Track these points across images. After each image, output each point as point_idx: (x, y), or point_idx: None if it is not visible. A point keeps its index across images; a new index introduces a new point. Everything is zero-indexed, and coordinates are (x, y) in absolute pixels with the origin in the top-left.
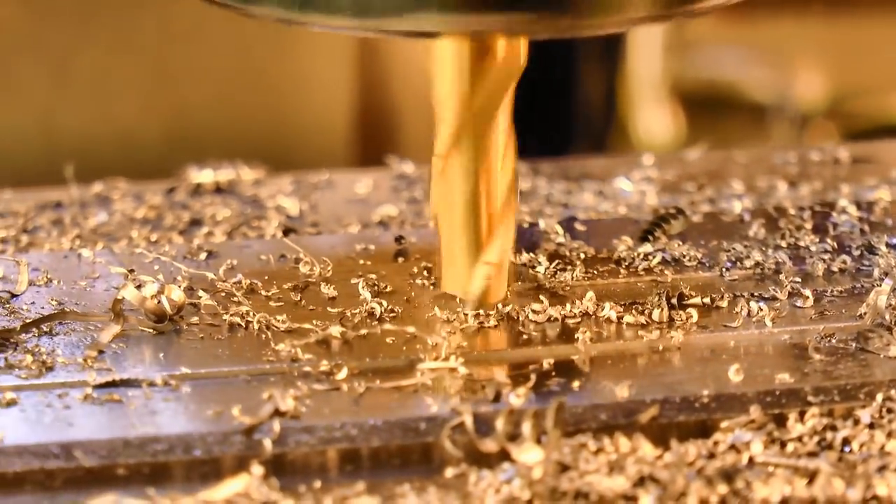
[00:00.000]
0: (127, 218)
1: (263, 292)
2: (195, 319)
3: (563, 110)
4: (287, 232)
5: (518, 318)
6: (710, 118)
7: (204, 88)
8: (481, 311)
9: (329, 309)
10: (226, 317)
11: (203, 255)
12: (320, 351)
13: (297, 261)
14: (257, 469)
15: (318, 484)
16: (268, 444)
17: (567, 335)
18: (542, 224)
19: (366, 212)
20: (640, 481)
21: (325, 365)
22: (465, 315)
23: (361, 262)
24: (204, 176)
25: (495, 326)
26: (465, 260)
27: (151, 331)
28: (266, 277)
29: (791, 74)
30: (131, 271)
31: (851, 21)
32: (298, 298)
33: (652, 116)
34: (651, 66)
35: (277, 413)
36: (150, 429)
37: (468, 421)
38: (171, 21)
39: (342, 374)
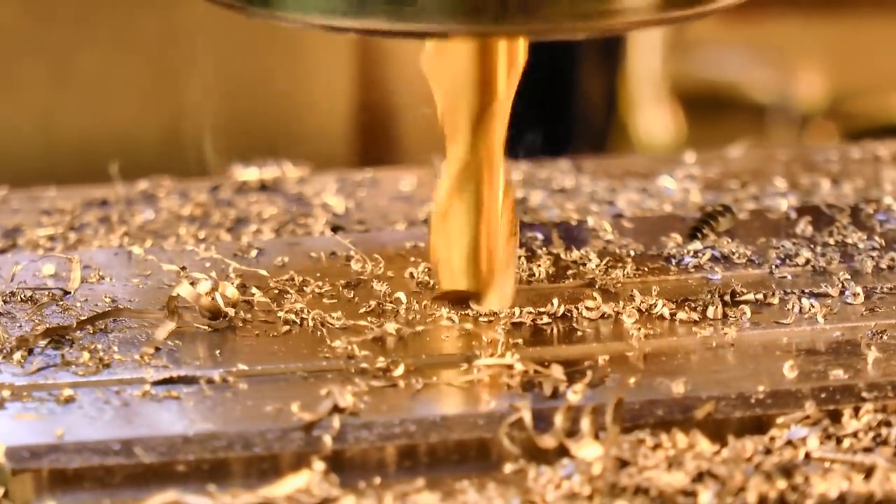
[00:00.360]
0: (173, 215)
1: (316, 289)
2: (249, 316)
3: (563, 110)
4: (336, 229)
5: (572, 315)
6: (710, 118)
7: (203, 88)
8: (532, 309)
9: (383, 305)
10: (280, 314)
11: (253, 253)
12: (376, 348)
13: (347, 258)
14: (318, 465)
15: (377, 480)
16: (328, 440)
17: (620, 332)
18: (590, 221)
19: (411, 209)
20: (699, 477)
21: (381, 361)
22: (521, 311)
23: (412, 259)
24: (248, 174)
25: (549, 323)
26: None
27: (206, 328)
28: (318, 274)
29: (791, 74)
30: (183, 268)
31: (851, 21)
32: (352, 295)
33: (652, 116)
34: (651, 66)
35: (336, 409)
36: (210, 425)
37: (527, 417)
38: (171, 21)
39: (399, 370)
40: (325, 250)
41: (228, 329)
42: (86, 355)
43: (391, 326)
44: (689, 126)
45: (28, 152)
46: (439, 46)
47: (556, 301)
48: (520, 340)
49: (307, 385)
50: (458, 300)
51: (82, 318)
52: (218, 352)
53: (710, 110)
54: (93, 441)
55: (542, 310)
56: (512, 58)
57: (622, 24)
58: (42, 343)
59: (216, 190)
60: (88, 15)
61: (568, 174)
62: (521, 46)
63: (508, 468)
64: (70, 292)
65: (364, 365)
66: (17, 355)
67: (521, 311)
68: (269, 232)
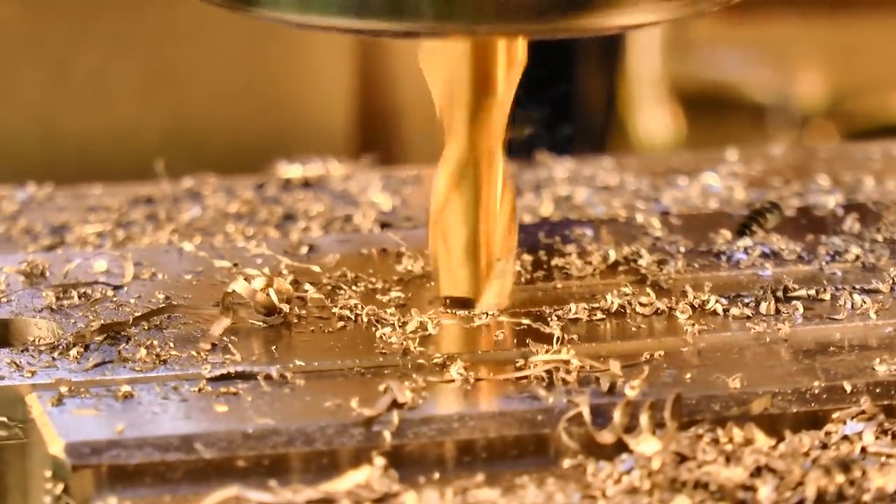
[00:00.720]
0: (220, 213)
1: (369, 285)
2: (303, 313)
3: (563, 110)
4: (384, 226)
5: (625, 311)
6: (710, 118)
7: (204, 88)
8: (586, 305)
9: (437, 301)
10: (335, 310)
11: (304, 249)
12: (431, 343)
13: (398, 255)
14: (378, 461)
15: (436, 475)
16: (387, 435)
17: (674, 327)
18: (639, 218)
19: None
20: (757, 471)
21: (438, 357)
22: (576, 306)
23: None
24: (293, 171)
25: (603, 319)
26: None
27: (261, 324)
28: (370, 271)
29: (791, 74)
30: (235, 265)
31: (851, 21)
32: (405, 291)
33: (652, 116)
34: (651, 66)
35: (395, 405)
36: (269, 421)
37: (585, 412)
38: (170, 21)
39: (456, 366)
40: (376, 246)
41: (283, 325)
42: (142, 351)
43: (446, 322)
44: (689, 126)
45: (27, 152)
46: (438, 45)
47: (609, 297)
48: (575, 336)
49: (364, 381)
50: (457, 300)
51: (137, 314)
52: (274, 348)
53: (710, 110)
54: (153, 437)
55: (595, 305)
56: (511, 57)
57: (622, 24)
58: (98, 339)
59: (262, 187)
60: (88, 15)
61: (611, 171)
62: (521, 45)
63: (567, 463)
64: (120, 287)
65: (420, 361)
66: (74, 351)
67: (576, 308)
68: (318, 229)
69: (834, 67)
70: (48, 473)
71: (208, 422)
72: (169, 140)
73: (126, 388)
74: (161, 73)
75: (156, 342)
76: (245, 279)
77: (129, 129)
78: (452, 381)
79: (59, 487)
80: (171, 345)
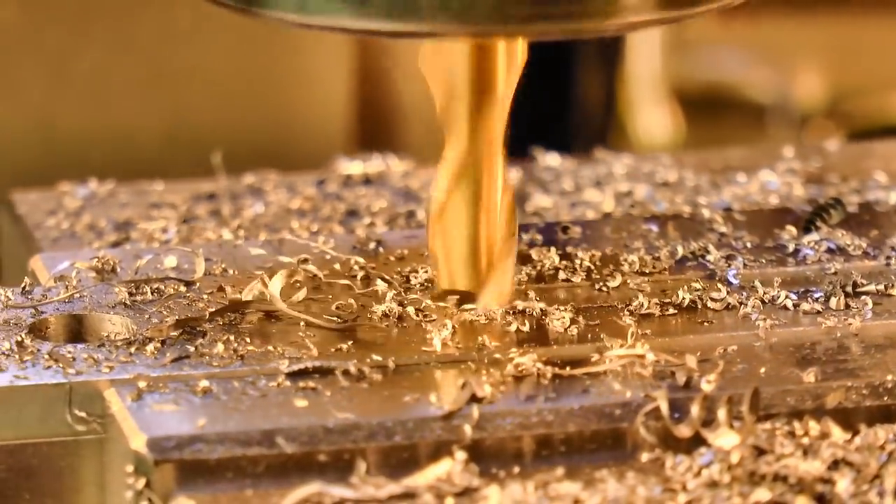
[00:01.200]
0: (283, 209)
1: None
2: (375, 308)
3: (562, 110)
4: None
5: (696, 305)
6: (709, 118)
7: (203, 88)
8: (658, 300)
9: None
10: (410, 308)
11: (372, 245)
12: (505, 338)
13: None
14: (460, 454)
15: (515, 469)
16: (467, 429)
17: (745, 322)
18: (705, 213)
19: (518, 203)
20: (835, 464)
21: (513, 352)
22: (647, 302)
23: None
24: (354, 167)
25: (676, 314)
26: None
27: (336, 319)
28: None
29: (791, 74)
30: (305, 261)
31: (851, 21)
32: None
33: (651, 116)
34: (650, 66)
35: (474, 399)
36: (349, 415)
37: (663, 407)
38: (170, 21)
39: (530, 360)
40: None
41: (358, 320)
42: (220, 346)
43: (518, 317)
44: (689, 126)
45: (27, 152)
46: (437, 46)
47: (680, 292)
48: (648, 331)
49: (441, 376)
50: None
51: (211, 310)
52: (350, 342)
53: (709, 110)
54: (234, 431)
55: (666, 301)
56: (511, 57)
57: (622, 23)
58: (173, 334)
59: (322, 184)
60: (88, 15)
61: (670, 168)
62: (521, 45)
63: (644, 457)
64: (192, 283)
65: (497, 356)
66: (151, 347)
67: (648, 303)
68: (383, 225)
69: (834, 67)
70: (130, 468)
71: (289, 416)
72: (169, 140)
73: (204, 383)
74: (161, 73)
75: (231, 337)
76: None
77: (129, 129)
78: (529, 375)
79: (141, 482)
80: (247, 340)
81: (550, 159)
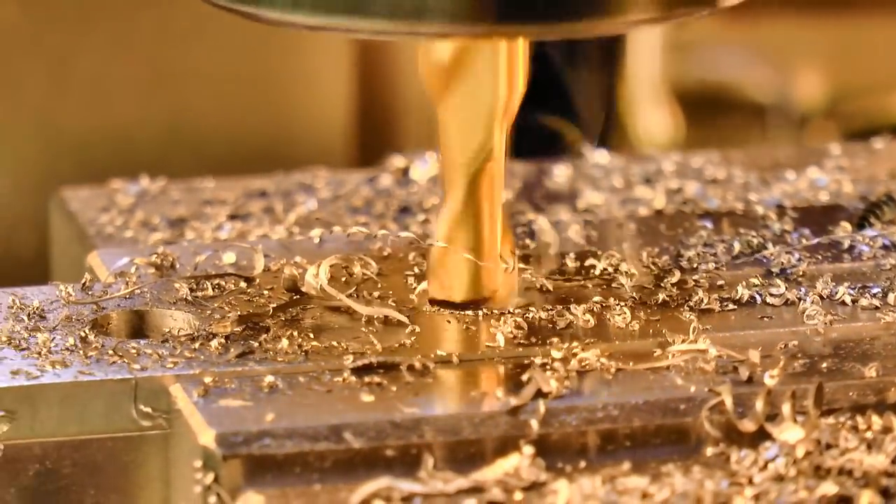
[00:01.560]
0: (336, 205)
1: None
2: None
3: (562, 110)
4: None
5: (755, 301)
6: (709, 118)
7: (203, 88)
8: (718, 296)
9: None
10: None
11: (428, 241)
12: (568, 334)
13: (523, 246)
14: (527, 449)
15: (581, 464)
16: (534, 424)
17: (805, 318)
18: (759, 210)
19: (569, 200)
20: None
21: (576, 347)
22: (707, 297)
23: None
24: (403, 163)
25: (735, 309)
26: None
27: (398, 314)
28: None
29: (791, 74)
30: (361, 257)
31: (851, 21)
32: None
33: (651, 116)
34: (650, 67)
35: (540, 394)
36: (416, 410)
37: (728, 401)
38: (170, 21)
39: (594, 355)
40: None
41: (420, 315)
42: (284, 342)
43: (580, 312)
44: (689, 126)
45: (27, 152)
46: (441, 50)
47: (739, 288)
48: (709, 326)
49: (505, 371)
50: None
51: (273, 305)
52: (413, 338)
53: (709, 110)
54: (302, 426)
55: (725, 296)
56: (512, 58)
57: (623, 23)
58: (237, 330)
59: (373, 180)
60: (88, 15)
61: (719, 165)
62: (522, 46)
63: (709, 451)
64: (252, 279)
65: (560, 351)
66: (215, 342)
67: (708, 299)
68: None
69: (834, 67)
70: (198, 463)
71: (355, 411)
72: (169, 140)
73: (270, 378)
74: (160, 74)
75: (295, 332)
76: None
77: (129, 130)
78: (593, 370)
79: (209, 477)
80: (310, 335)
81: (599, 156)
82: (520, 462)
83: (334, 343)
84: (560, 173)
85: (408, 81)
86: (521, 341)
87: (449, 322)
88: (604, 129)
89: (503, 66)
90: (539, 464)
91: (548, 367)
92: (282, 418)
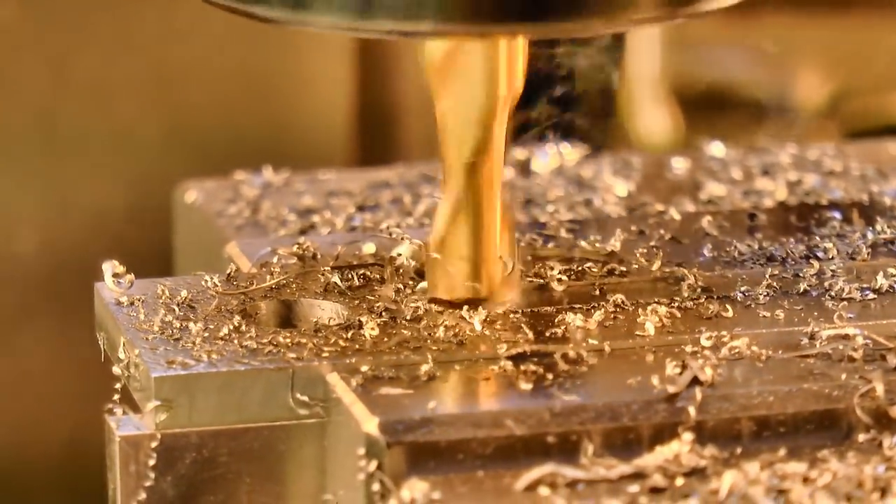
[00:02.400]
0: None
1: (636, 266)
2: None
3: (561, 109)
4: (633, 210)
5: (894, 290)
6: (709, 118)
7: (204, 88)
8: (858, 285)
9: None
10: (610, 296)
11: (562, 231)
12: (714, 322)
13: (650, 236)
14: (686, 436)
15: (738, 450)
16: (692, 411)
17: None
18: (886, 201)
19: (691, 191)
20: None
21: (725, 336)
22: (848, 287)
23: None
24: (526, 156)
25: (874, 299)
26: None
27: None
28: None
29: (791, 74)
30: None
31: (851, 21)
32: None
33: (651, 116)
34: (651, 66)
35: (696, 382)
36: (575, 398)
37: (879, 388)
38: (171, 21)
39: (744, 343)
40: (625, 228)
41: (556, 305)
42: (440, 331)
43: (721, 302)
44: (689, 125)
45: (27, 152)
46: (441, 49)
47: (878, 277)
48: (852, 315)
49: (658, 359)
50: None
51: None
52: (563, 327)
53: (710, 110)
54: (464, 414)
55: (865, 286)
56: (513, 58)
57: (624, 23)
58: (385, 318)
59: None
60: (89, 14)
61: (835, 158)
62: (522, 46)
63: (861, 437)
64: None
65: (710, 340)
66: (367, 331)
67: (848, 288)
68: (566, 212)
69: (834, 67)
70: (360, 451)
71: (515, 399)
72: (169, 140)
73: (427, 366)
74: (161, 74)
75: (450, 322)
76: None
77: (129, 129)
78: (743, 358)
79: (373, 465)
80: (462, 324)
81: (715, 149)
82: (679, 448)
83: (487, 332)
84: (678, 165)
85: (409, 81)
86: (671, 330)
87: (589, 310)
88: (601, 128)
89: (503, 64)
90: (698, 450)
91: (698, 355)
92: (443, 406)
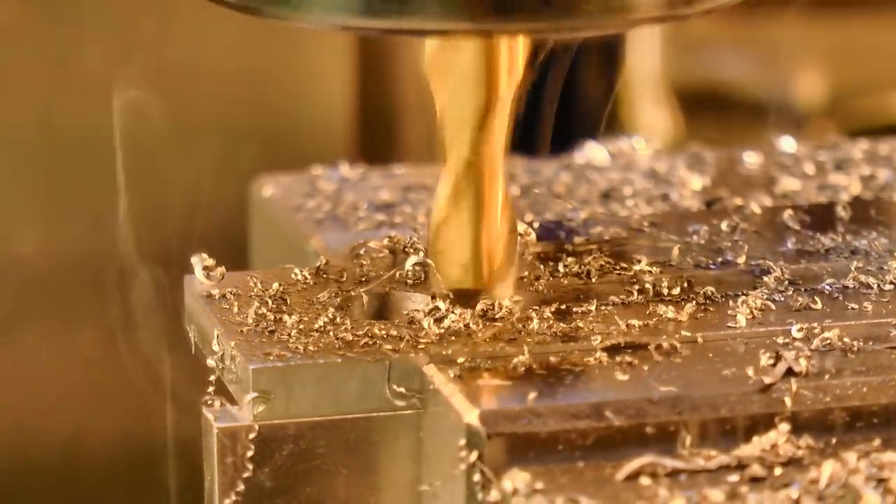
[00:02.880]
0: (541, 191)
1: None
2: (676, 286)
3: (562, 109)
4: (710, 203)
5: None
6: (709, 118)
7: (204, 88)
8: None
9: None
10: (699, 289)
11: (645, 224)
12: (798, 315)
13: (733, 230)
14: (783, 426)
15: (833, 440)
16: (788, 402)
17: None
18: None
19: (766, 185)
20: None
21: (816, 327)
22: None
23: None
24: (598, 149)
25: None
26: None
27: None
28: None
29: (791, 74)
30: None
31: (851, 21)
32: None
33: (651, 116)
34: (651, 66)
35: (791, 373)
36: (672, 389)
37: None
38: (171, 21)
39: (835, 335)
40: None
41: (653, 296)
42: (534, 323)
43: (815, 295)
44: (689, 126)
45: (27, 152)
46: (440, 46)
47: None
48: None
49: (750, 350)
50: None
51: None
52: (654, 319)
53: (710, 110)
54: (564, 405)
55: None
56: (513, 57)
57: (625, 22)
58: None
59: (568, 167)
60: (89, 14)
61: (872, 161)
62: (523, 45)
63: None
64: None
65: (798, 332)
66: (469, 324)
67: None
68: (644, 206)
69: (834, 67)
70: (461, 442)
71: (613, 390)
72: (170, 140)
73: (523, 357)
74: (161, 74)
75: (548, 312)
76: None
77: (130, 130)
78: (834, 350)
79: (474, 455)
80: (553, 315)
81: (786, 144)
82: (776, 439)
83: (581, 324)
84: (750, 160)
85: (409, 80)
86: (761, 322)
87: (678, 302)
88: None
89: (503, 62)
90: (793, 440)
91: (790, 346)
92: (542, 397)
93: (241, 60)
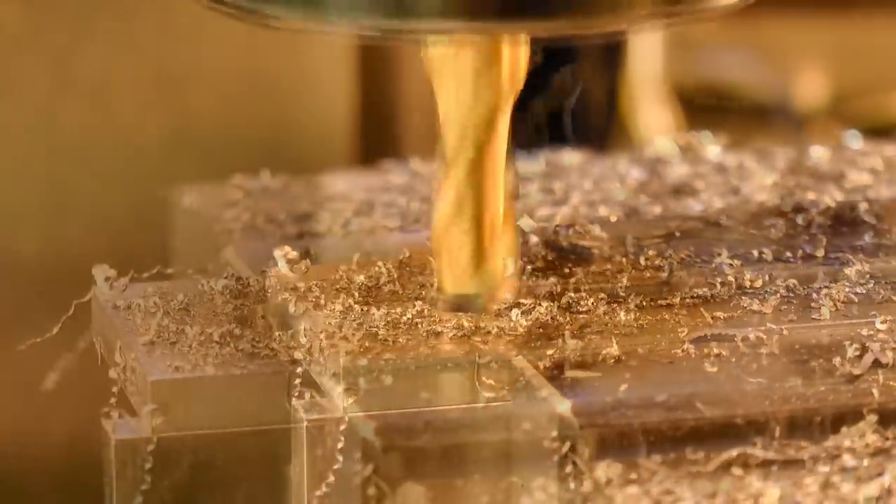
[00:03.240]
0: (624, 186)
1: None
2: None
3: (562, 109)
4: (782, 199)
5: None
6: (710, 118)
7: (205, 88)
8: None
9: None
10: (781, 282)
11: (723, 219)
12: (880, 307)
13: (809, 224)
14: (871, 417)
15: None
16: (876, 393)
17: None
18: None
19: (836, 179)
20: None
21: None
22: None
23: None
24: (664, 144)
25: None
26: None
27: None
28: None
29: (791, 74)
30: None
31: (851, 21)
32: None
33: (652, 116)
34: (651, 66)
35: (877, 364)
36: (762, 380)
37: None
38: (172, 22)
39: None
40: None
41: (736, 288)
42: (621, 314)
43: (886, 287)
44: (689, 126)
45: (28, 152)
46: (441, 46)
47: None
48: None
49: (832, 342)
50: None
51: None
52: (737, 313)
53: (710, 110)
54: (655, 396)
55: None
56: (515, 57)
57: (627, 22)
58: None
59: (636, 163)
60: (90, 15)
61: None
62: (524, 45)
63: None
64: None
65: (881, 325)
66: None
67: None
68: (717, 199)
69: (834, 67)
70: (553, 433)
71: (704, 381)
72: (169, 141)
73: (612, 349)
74: (162, 74)
75: (632, 304)
76: None
77: (130, 130)
78: None
79: (566, 446)
80: (634, 307)
81: (852, 139)
82: (865, 430)
83: (665, 317)
84: (818, 155)
85: (410, 81)
86: (844, 314)
87: (759, 299)
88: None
89: (505, 61)
90: (881, 431)
91: (875, 338)
92: (633, 389)
93: (241, 61)
